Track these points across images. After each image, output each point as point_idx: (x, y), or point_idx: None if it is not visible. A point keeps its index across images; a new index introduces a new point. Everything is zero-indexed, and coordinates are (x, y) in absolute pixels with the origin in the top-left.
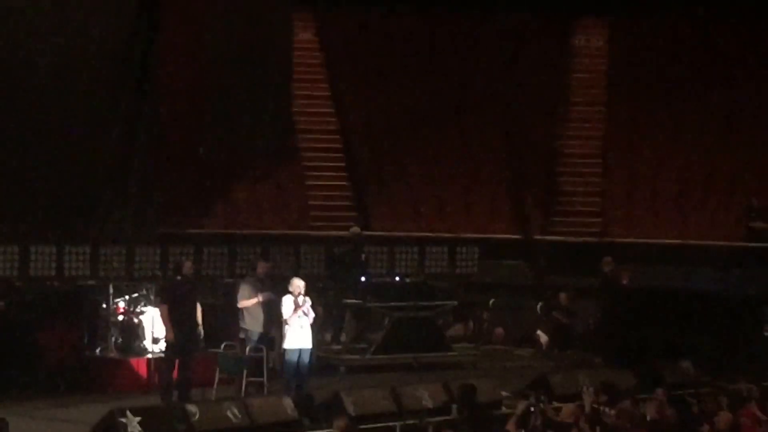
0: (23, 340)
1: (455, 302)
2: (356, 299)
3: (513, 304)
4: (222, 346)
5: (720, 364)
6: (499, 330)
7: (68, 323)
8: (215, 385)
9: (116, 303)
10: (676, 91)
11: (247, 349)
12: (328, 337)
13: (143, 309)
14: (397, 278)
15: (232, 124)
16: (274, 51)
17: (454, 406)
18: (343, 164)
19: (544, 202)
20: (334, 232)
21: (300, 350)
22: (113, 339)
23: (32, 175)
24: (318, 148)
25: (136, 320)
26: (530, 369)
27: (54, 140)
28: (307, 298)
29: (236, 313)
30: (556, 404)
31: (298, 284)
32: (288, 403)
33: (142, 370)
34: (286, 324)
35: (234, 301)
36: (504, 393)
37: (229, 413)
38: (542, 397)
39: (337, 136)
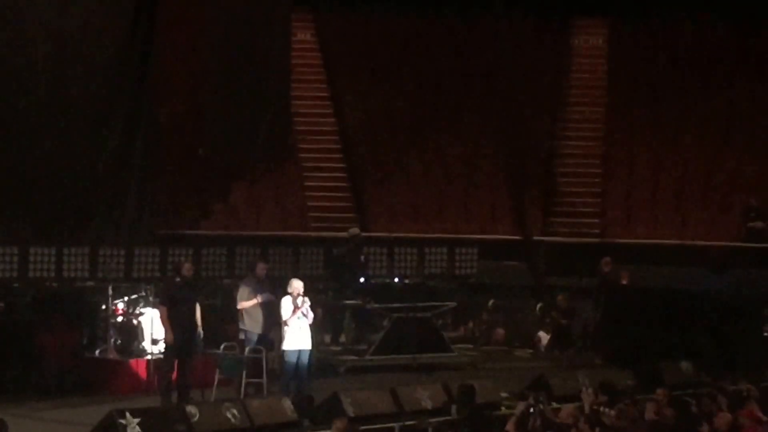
0: (22, 342)
1: (454, 303)
2: (355, 300)
3: (512, 305)
4: (221, 347)
5: (719, 364)
6: (500, 331)
7: (67, 324)
8: (215, 387)
9: (115, 304)
10: (675, 91)
11: (247, 350)
12: (327, 338)
13: (142, 310)
14: (397, 279)
15: (230, 125)
16: (272, 52)
17: (454, 407)
18: (341, 165)
19: (543, 203)
20: (333, 233)
21: (299, 351)
22: (112, 340)
23: (31, 176)
24: (317, 148)
25: (135, 321)
26: (529, 369)
27: (53, 141)
28: (306, 299)
29: (235, 314)
30: (555, 405)
31: (296, 285)
32: (287, 404)
33: (142, 372)
34: (286, 325)
35: (233, 302)
36: (503, 394)
37: (228, 414)
38: (541, 398)
39: (336, 137)
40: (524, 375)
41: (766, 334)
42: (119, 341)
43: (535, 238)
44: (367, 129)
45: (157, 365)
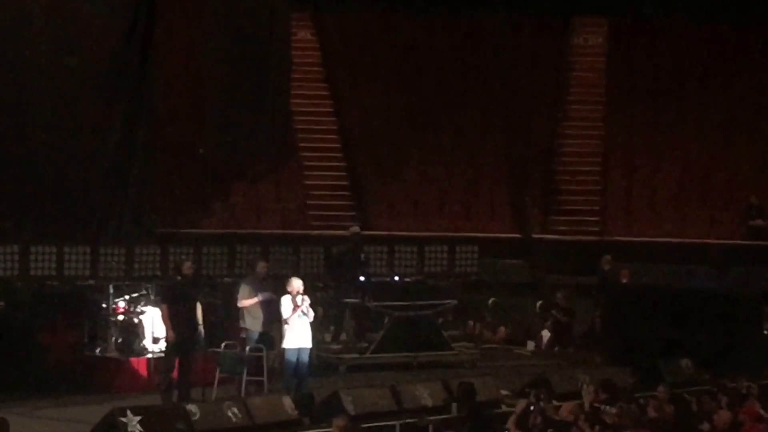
0: (23, 340)
1: (455, 301)
2: (356, 298)
3: (513, 303)
4: (222, 345)
5: (719, 362)
6: (502, 329)
7: (68, 323)
8: (215, 385)
9: (116, 303)
10: (674, 89)
11: (247, 348)
12: (327, 336)
13: (143, 309)
14: (397, 277)
15: (230, 124)
16: (272, 50)
17: (454, 405)
18: (342, 163)
19: (543, 201)
20: (333, 232)
21: (300, 349)
22: (113, 339)
23: (32, 174)
24: (317, 147)
25: (136, 320)
26: (530, 367)
27: (53, 140)
28: (306, 297)
29: (236, 312)
30: (555, 403)
31: (295, 284)
32: (288, 402)
33: (143, 370)
34: (286, 323)
35: (234, 300)
36: (504, 392)
37: (229, 413)
38: (542, 396)
39: (336, 136)
40: (525, 373)
41: (766, 331)
42: (120, 340)
43: (536, 236)
44: (367, 127)
45: (158, 364)
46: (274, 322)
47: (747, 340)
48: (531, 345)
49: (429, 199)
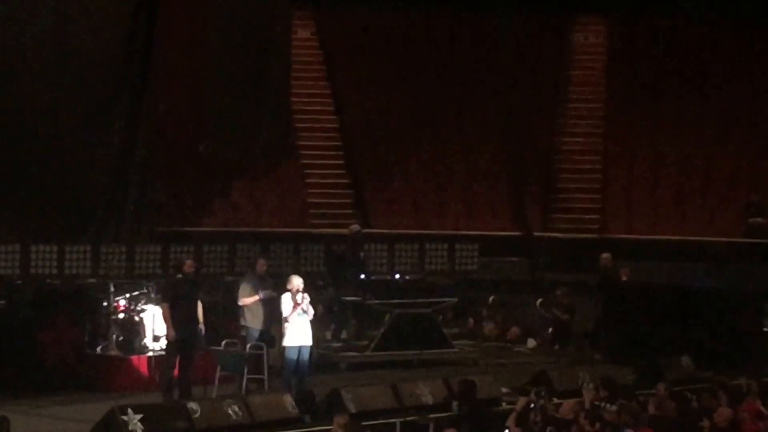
0: (24, 339)
1: (455, 299)
2: (356, 297)
3: (513, 301)
4: (223, 343)
5: (719, 359)
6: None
7: (69, 321)
8: (216, 383)
9: (117, 301)
10: (674, 87)
11: (248, 346)
12: (328, 334)
13: (144, 307)
14: (397, 275)
15: (231, 123)
16: (273, 49)
17: (455, 403)
18: (342, 162)
19: (543, 199)
20: (333, 230)
21: (300, 347)
22: (114, 337)
23: (32, 173)
24: (317, 145)
25: (137, 318)
26: (530, 365)
27: (54, 138)
28: (306, 295)
29: (236, 310)
30: (556, 400)
31: (296, 282)
32: (288, 400)
33: (143, 368)
34: (286, 322)
35: (234, 298)
36: (504, 389)
37: (229, 411)
38: (542, 393)
39: (336, 134)
40: (525, 370)
41: (766, 329)
42: (121, 338)
43: (536, 234)
44: (367, 126)
45: (159, 362)
46: (275, 321)
47: (747, 337)
48: (531, 342)
49: (429, 196)
